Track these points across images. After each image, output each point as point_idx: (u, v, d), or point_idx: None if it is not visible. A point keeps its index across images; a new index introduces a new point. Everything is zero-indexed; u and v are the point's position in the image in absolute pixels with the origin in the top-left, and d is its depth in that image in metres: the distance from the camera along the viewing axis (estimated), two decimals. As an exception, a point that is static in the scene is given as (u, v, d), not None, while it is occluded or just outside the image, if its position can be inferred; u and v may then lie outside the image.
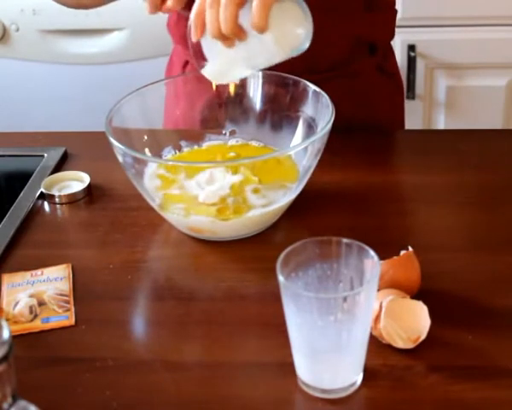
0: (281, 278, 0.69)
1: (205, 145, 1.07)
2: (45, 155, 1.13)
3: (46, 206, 1.03)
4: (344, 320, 0.68)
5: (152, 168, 0.98)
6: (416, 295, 0.80)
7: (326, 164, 0.96)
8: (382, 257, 0.75)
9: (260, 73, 1.06)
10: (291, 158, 0.98)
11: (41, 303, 0.85)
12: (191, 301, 0.86)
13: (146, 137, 1.02)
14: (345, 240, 0.73)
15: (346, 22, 1.14)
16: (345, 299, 0.67)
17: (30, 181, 1.07)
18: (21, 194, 1.04)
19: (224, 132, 1.08)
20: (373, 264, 0.71)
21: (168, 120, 1.16)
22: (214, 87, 1.08)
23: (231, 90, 1.07)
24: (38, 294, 0.86)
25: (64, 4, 1.12)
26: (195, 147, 1.07)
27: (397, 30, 1.71)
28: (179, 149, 1.05)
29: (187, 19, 1.08)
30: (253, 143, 1.07)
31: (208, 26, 0.86)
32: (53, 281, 0.88)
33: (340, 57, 1.16)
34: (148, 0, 0.89)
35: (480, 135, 1.18)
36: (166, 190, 0.96)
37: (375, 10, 1.17)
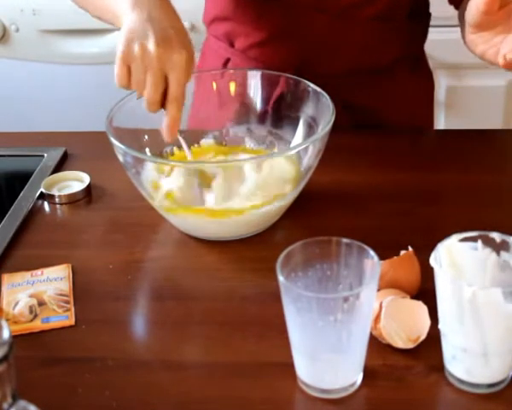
0: (281, 278, 0.69)
1: (203, 144, 1.07)
2: (45, 155, 1.13)
3: (46, 206, 1.03)
4: (344, 320, 0.68)
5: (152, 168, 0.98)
6: (415, 295, 0.80)
7: (326, 164, 0.96)
8: (382, 257, 0.75)
9: (260, 73, 1.06)
10: (291, 158, 0.98)
11: (41, 303, 0.85)
12: (191, 301, 0.86)
13: (146, 137, 1.02)
14: (345, 240, 0.73)
15: (393, 31, 1.16)
16: (345, 299, 0.67)
17: (30, 181, 1.07)
18: (21, 194, 1.04)
19: (223, 132, 1.08)
20: (373, 264, 0.71)
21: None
22: (214, 87, 1.08)
23: (231, 90, 1.07)
24: (38, 294, 0.86)
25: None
26: (196, 146, 1.06)
27: (397, 30, 1.69)
28: (179, 148, 1.05)
29: (223, 19, 1.09)
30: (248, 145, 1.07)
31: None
32: (53, 281, 0.88)
33: (388, 62, 1.18)
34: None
35: (480, 135, 1.18)
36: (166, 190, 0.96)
37: (416, 18, 1.19)
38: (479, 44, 0.95)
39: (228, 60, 1.20)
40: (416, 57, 1.24)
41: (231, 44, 1.18)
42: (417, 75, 1.24)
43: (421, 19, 1.21)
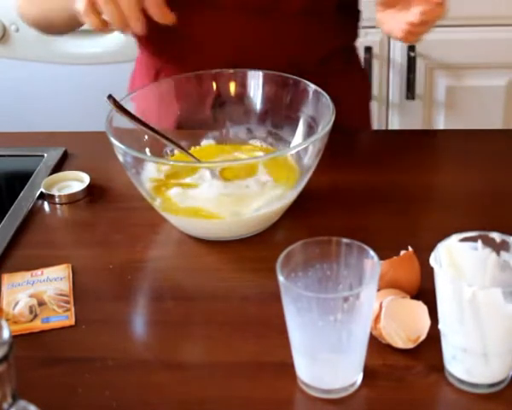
0: (281, 278, 0.69)
1: (204, 145, 1.07)
2: (45, 155, 1.13)
3: (46, 206, 1.03)
4: (344, 320, 0.68)
5: (152, 168, 0.98)
6: (416, 295, 0.80)
7: (326, 164, 0.96)
8: (382, 257, 0.75)
9: (260, 73, 1.06)
10: (291, 158, 0.98)
11: (41, 303, 0.85)
12: (191, 301, 0.86)
13: (146, 137, 1.02)
14: (345, 240, 0.73)
15: (321, 25, 1.17)
16: (345, 299, 0.67)
17: (30, 181, 1.07)
18: (21, 194, 1.04)
19: (224, 132, 1.08)
20: (373, 264, 0.71)
21: (165, 119, 1.15)
22: (215, 88, 1.08)
23: (232, 90, 1.07)
24: (38, 294, 0.86)
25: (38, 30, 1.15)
26: (197, 147, 1.07)
27: (397, 30, 1.67)
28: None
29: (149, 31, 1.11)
30: (253, 143, 1.07)
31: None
32: (53, 281, 0.88)
33: (319, 57, 1.19)
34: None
35: (480, 135, 1.18)
36: (166, 190, 0.96)
37: (345, 11, 1.20)
38: (385, 22, 0.98)
39: (159, 70, 1.21)
40: (347, 54, 1.26)
41: (161, 55, 1.19)
42: (351, 70, 1.25)
43: (349, 13, 1.22)
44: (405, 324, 0.76)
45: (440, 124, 2.00)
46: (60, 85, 2.00)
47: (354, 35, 1.27)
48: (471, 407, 0.71)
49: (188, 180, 0.97)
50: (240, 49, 1.14)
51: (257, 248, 0.93)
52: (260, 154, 1.04)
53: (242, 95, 1.07)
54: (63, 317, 0.83)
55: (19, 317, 0.83)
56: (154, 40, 1.19)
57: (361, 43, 1.87)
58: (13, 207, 1.01)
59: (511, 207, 0.99)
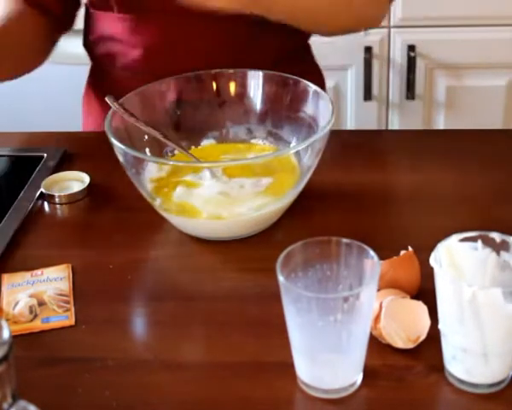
0: (281, 279, 0.69)
1: (205, 145, 1.07)
2: (45, 155, 1.13)
3: (46, 206, 1.03)
4: (344, 320, 0.68)
5: (152, 168, 0.98)
6: (416, 295, 0.80)
7: (326, 164, 0.96)
8: (382, 257, 0.75)
9: (261, 73, 1.06)
10: (291, 158, 0.98)
11: (41, 303, 0.85)
12: (191, 301, 0.86)
13: (146, 137, 1.02)
14: (345, 240, 0.73)
15: (268, 32, 1.17)
16: (345, 299, 0.67)
17: (30, 181, 1.07)
18: (21, 194, 1.04)
19: (224, 132, 1.08)
20: (373, 264, 0.71)
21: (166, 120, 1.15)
22: (215, 87, 1.08)
23: (231, 90, 1.07)
24: (38, 294, 0.86)
25: None
26: (198, 147, 1.07)
27: (397, 30, 1.71)
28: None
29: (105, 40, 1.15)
30: (254, 142, 1.07)
31: None
32: (53, 281, 0.88)
33: (272, 60, 1.19)
34: None
35: (480, 135, 1.18)
36: (167, 190, 0.96)
37: None
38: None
39: (115, 77, 1.21)
40: (301, 54, 1.26)
41: (114, 63, 1.21)
42: (305, 70, 1.24)
43: None
44: (405, 324, 0.76)
45: (440, 124, 2.00)
46: (60, 85, 2.00)
47: (305, 35, 1.27)
48: (471, 407, 0.71)
49: (188, 178, 0.97)
50: (192, 55, 1.15)
51: (257, 248, 0.93)
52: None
53: (242, 95, 1.07)
54: (63, 317, 0.83)
55: (19, 317, 0.83)
56: (107, 49, 1.21)
57: (361, 43, 1.89)
58: (13, 207, 1.01)
59: (511, 207, 0.99)
